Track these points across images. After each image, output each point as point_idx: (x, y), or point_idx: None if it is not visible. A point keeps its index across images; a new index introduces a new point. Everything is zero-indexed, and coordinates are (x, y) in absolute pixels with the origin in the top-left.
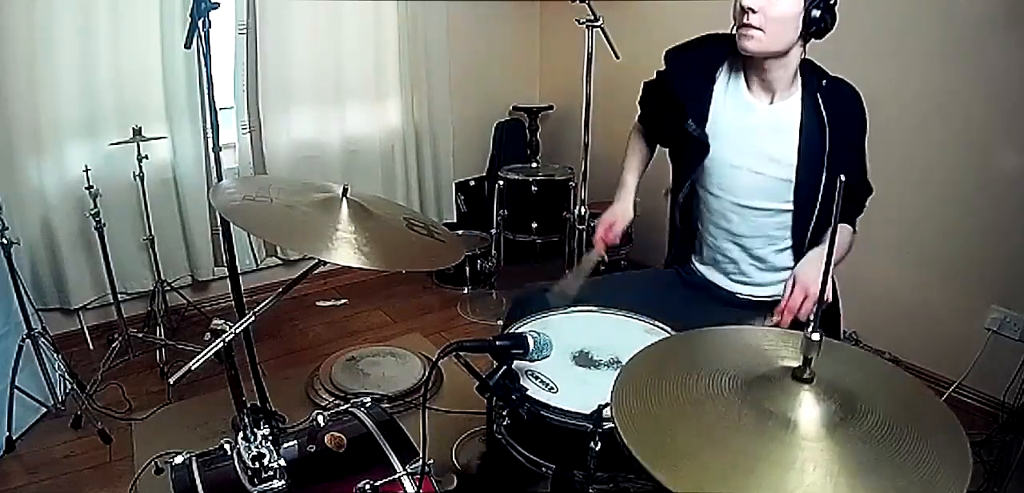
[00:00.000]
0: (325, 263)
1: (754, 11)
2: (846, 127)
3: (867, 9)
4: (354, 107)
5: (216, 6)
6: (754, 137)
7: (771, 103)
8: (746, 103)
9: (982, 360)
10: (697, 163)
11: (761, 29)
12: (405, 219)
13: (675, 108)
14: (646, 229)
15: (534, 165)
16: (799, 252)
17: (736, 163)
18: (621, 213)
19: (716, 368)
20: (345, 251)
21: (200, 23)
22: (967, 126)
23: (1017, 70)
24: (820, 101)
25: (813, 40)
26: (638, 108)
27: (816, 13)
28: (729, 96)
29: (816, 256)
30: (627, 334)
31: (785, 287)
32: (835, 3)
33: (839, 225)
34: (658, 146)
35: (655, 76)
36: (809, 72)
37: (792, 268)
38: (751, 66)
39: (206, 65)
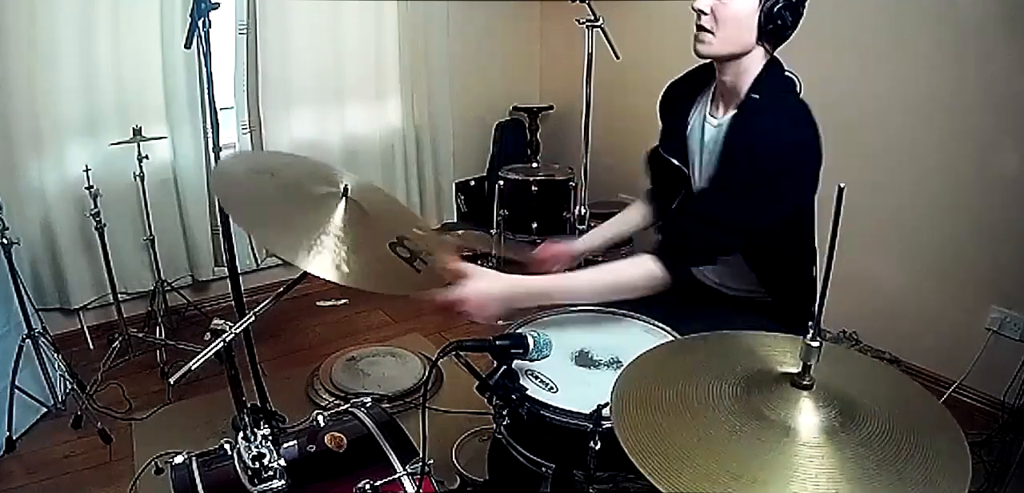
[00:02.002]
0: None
1: (704, 12)
2: (739, 149)
3: (868, 11)
4: (354, 107)
5: (216, 6)
6: (707, 150)
7: (725, 114)
8: (707, 118)
9: (982, 360)
10: (680, 188)
11: (712, 31)
12: (397, 238)
13: (662, 140)
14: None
15: (534, 165)
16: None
17: (697, 176)
18: (566, 246)
19: (715, 374)
20: (320, 262)
21: (200, 23)
22: (967, 126)
23: (1017, 71)
24: (729, 116)
25: (778, 44)
26: (645, 173)
27: (775, 11)
28: (698, 114)
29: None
30: (627, 334)
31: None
32: (799, 2)
33: (645, 257)
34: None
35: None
36: (756, 86)
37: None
38: (718, 76)
39: (206, 65)
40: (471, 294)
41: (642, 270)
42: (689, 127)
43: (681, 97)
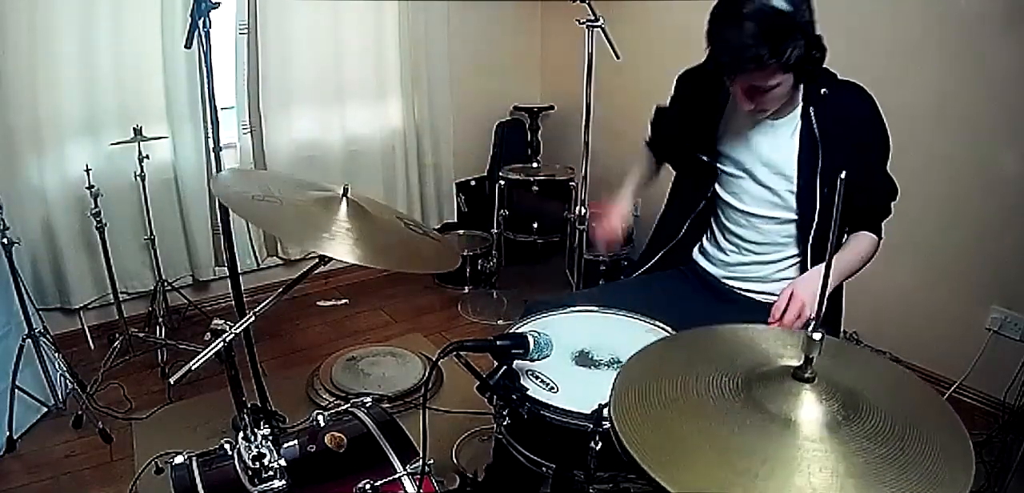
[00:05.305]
0: (325, 262)
1: (755, 110)
2: (845, 137)
3: (868, 11)
4: (355, 107)
5: (216, 6)
6: (758, 148)
7: (784, 115)
8: (751, 116)
9: (982, 360)
10: (708, 186)
11: (766, 109)
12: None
13: (683, 132)
14: (646, 230)
15: (535, 165)
16: (805, 260)
17: (741, 173)
18: (618, 213)
19: (716, 368)
20: (344, 247)
21: (200, 23)
22: (967, 126)
23: (1017, 70)
24: (812, 114)
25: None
26: (648, 129)
27: (803, 64)
28: (736, 109)
29: (816, 272)
30: (627, 334)
31: (781, 296)
32: (816, 38)
33: (861, 232)
34: (666, 166)
35: (668, 102)
36: (818, 82)
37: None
38: None
39: (207, 65)
40: (807, 296)
41: (870, 241)
42: (724, 123)
43: (705, 95)
